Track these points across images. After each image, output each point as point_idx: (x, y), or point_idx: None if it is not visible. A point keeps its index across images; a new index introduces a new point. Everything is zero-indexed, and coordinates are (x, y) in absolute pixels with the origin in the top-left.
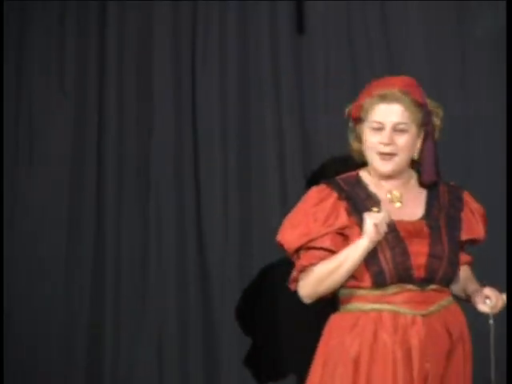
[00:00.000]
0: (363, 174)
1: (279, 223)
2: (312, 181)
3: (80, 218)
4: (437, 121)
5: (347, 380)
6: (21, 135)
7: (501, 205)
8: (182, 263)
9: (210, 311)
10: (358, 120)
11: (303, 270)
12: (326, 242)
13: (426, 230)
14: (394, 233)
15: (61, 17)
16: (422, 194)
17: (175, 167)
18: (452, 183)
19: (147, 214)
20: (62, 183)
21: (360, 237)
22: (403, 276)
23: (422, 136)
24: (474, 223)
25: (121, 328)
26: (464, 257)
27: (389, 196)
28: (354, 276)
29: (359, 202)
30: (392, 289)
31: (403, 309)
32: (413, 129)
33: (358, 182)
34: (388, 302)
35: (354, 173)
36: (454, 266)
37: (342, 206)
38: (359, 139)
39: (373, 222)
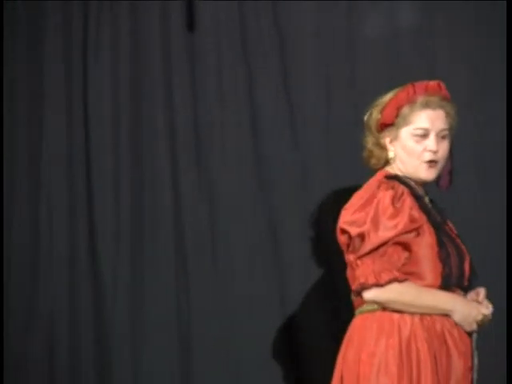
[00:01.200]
0: (404, 176)
1: (171, 223)
2: (205, 180)
3: None
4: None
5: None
6: None
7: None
8: (73, 263)
9: (101, 311)
10: (387, 126)
11: (394, 281)
12: (414, 238)
13: (454, 235)
14: (451, 237)
15: None
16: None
17: (66, 168)
18: None
19: (38, 214)
20: None
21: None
22: (458, 281)
23: None
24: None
25: (9, 328)
26: None
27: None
28: (421, 277)
29: (420, 200)
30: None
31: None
32: (450, 135)
33: (407, 182)
34: None
35: (392, 173)
36: (474, 276)
37: (416, 203)
38: (381, 145)
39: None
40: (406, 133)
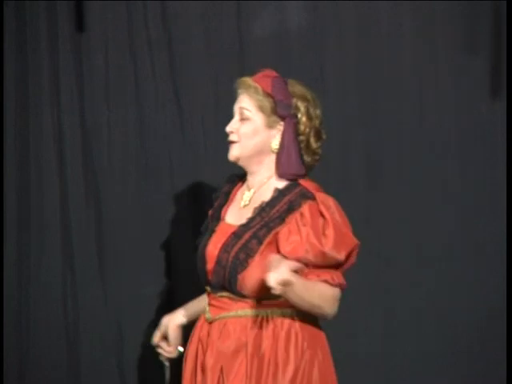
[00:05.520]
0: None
1: (58, 224)
2: (92, 179)
3: None
4: (301, 115)
5: None
6: None
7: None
8: None
9: None
10: None
11: None
12: None
13: (227, 236)
14: (208, 235)
15: None
16: (267, 198)
17: None
18: (312, 190)
19: None
20: None
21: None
22: (204, 279)
23: (280, 128)
24: (285, 239)
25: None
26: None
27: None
28: None
29: (220, 197)
30: (208, 290)
31: (206, 311)
32: (259, 118)
33: (240, 179)
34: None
35: None
36: (234, 278)
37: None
38: None
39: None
40: None
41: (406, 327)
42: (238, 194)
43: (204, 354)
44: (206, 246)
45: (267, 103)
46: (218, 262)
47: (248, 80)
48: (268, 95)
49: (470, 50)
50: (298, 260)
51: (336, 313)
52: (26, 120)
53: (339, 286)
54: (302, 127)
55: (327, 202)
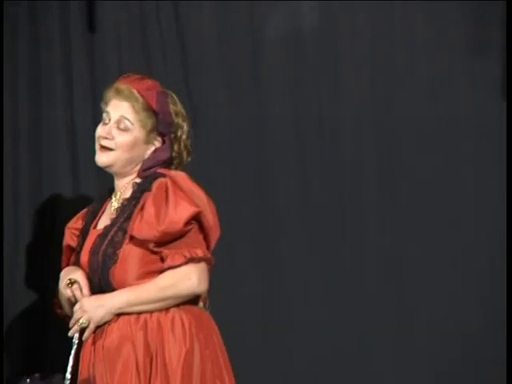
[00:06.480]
0: None
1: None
2: (105, 177)
3: None
4: (181, 133)
5: None
6: None
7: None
8: None
9: None
10: None
11: None
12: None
13: (95, 239)
14: (79, 248)
15: None
16: (128, 195)
17: None
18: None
19: None
20: None
21: None
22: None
23: (157, 144)
24: (136, 219)
25: None
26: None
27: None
28: None
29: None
30: None
31: None
32: (138, 131)
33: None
34: None
35: None
36: (107, 274)
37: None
38: None
39: None
40: None
41: (415, 326)
42: (109, 203)
43: (95, 357)
44: (79, 257)
45: (150, 121)
46: (90, 266)
47: (130, 88)
48: (152, 111)
49: (482, 51)
50: (145, 239)
51: (205, 285)
52: (39, 120)
53: (185, 263)
54: (181, 145)
55: (175, 178)
